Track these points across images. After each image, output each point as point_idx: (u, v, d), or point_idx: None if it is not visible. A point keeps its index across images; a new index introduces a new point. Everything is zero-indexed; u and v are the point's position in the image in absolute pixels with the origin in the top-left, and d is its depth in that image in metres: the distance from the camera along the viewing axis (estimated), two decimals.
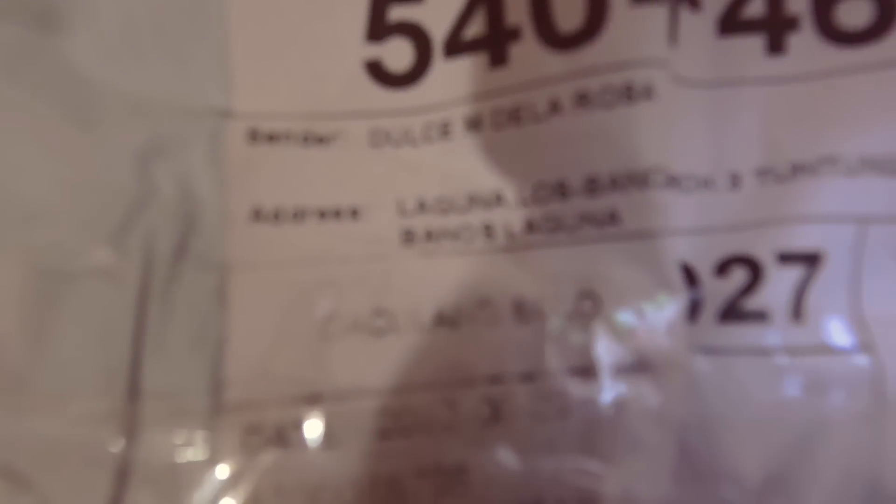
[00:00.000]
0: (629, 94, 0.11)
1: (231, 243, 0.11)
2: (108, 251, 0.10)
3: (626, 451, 0.11)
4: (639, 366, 0.11)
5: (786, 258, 0.11)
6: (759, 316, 0.11)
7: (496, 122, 0.12)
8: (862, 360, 0.11)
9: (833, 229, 0.11)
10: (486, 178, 0.12)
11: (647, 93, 0.11)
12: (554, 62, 0.11)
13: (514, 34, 0.12)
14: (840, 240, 0.11)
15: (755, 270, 0.11)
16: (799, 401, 0.11)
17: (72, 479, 0.10)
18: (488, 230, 0.12)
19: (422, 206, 0.12)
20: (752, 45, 0.12)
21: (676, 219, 0.11)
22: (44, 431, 0.10)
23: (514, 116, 0.11)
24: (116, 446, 0.10)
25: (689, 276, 0.12)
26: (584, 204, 0.11)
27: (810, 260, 0.11)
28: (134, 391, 0.10)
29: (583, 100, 0.11)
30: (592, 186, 0.11)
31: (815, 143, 0.11)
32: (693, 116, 0.12)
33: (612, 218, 0.11)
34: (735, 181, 0.12)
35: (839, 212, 0.11)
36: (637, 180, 0.11)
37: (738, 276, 0.11)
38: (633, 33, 0.11)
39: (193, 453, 0.10)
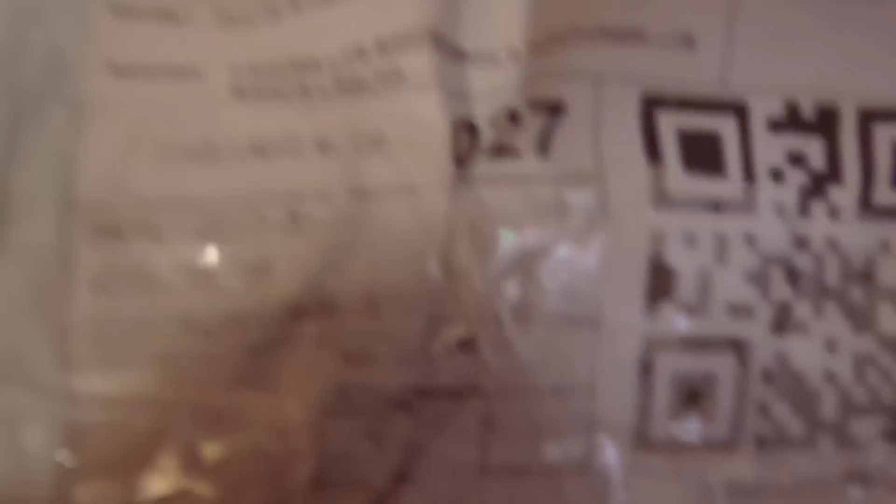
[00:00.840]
0: None
1: (87, 88, 0.13)
2: None
3: (403, 255, 0.13)
4: (413, 188, 0.13)
5: (535, 106, 0.14)
6: (514, 151, 0.14)
7: (315, 3, 0.14)
8: (593, 187, 0.14)
9: (574, 83, 0.14)
10: (305, 47, 0.14)
11: None
12: None
13: None
14: (580, 92, 0.14)
15: (514, 118, 0.14)
16: (540, 219, 0.13)
17: None
18: (305, 89, 0.14)
19: (253, 70, 0.14)
20: None
21: (463, 84, 0.14)
22: None
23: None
24: None
25: (470, 129, 0.14)
26: (379, 63, 0.14)
27: (555, 108, 0.14)
28: (4, 192, 0.13)
29: None
30: (383, 49, 0.14)
31: (567, 16, 0.14)
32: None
33: (398, 74, 0.14)
34: (514, 55, 0.15)
35: (579, 69, 0.14)
36: (415, 41, 0.14)
37: (503, 124, 0.14)
38: None
39: (49, 241, 0.12)
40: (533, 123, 0.14)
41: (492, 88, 0.14)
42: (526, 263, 0.13)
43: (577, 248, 0.13)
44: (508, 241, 0.13)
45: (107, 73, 0.14)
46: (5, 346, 0.12)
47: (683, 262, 0.14)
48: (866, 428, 0.14)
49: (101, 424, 0.12)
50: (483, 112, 0.14)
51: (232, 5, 0.15)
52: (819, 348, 0.14)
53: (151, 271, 0.13)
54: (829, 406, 0.14)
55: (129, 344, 0.12)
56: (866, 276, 0.14)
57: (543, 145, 0.14)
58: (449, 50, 0.14)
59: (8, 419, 0.12)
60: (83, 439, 0.12)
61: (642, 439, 0.14)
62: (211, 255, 0.13)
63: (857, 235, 0.14)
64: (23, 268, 0.12)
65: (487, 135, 0.14)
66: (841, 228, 0.14)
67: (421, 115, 0.14)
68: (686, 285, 0.14)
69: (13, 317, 0.12)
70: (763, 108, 0.15)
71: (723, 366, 0.14)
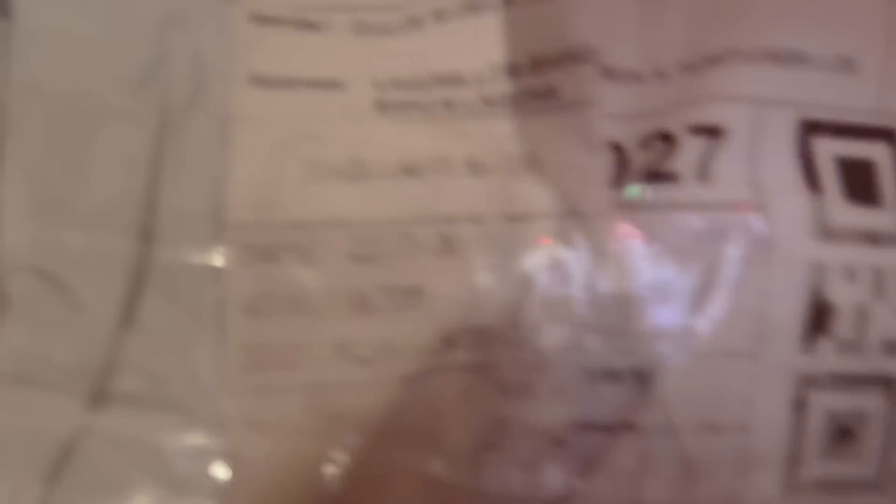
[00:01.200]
0: None
1: (232, 100, 0.13)
2: (130, 98, 0.12)
3: (559, 283, 0.13)
4: (571, 215, 0.13)
5: (694, 130, 0.13)
6: (672, 177, 0.13)
7: (460, 14, 0.14)
8: (755, 217, 0.13)
9: (734, 107, 0.13)
10: (449, 61, 0.14)
11: None
12: None
13: None
14: (740, 117, 0.13)
15: (671, 141, 0.13)
16: (702, 248, 0.13)
17: (97, 280, 0.12)
18: (449, 104, 0.14)
19: (395, 83, 0.14)
20: None
21: (611, 105, 0.14)
22: (75, 241, 0.12)
23: (475, 7, 0.14)
24: (134, 251, 0.12)
25: (618, 151, 0.14)
26: (531, 80, 0.13)
27: (714, 132, 0.13)
28: (151, 210, 0.12)
29: None
30: (537, 65, 0.13)
31: (725, 38, 0.14)
32: (627, 15, 0.14)
33: (552, 92, 0.13)
34: (660, 74, 0.14)
35: (740, 93, 0.13)
36: (574, 59, 0.13)
37: (658, 147, 0.13)
38: None
39: (198, 261, 0.12)
40: (691, 147, 0.13)
41: (637, 109, 0.14)
42: (682, 295, 0.13)
43: (736, 280, 0.13)
44: (665, 269, 0.13)
45: (250, 84, 0.13)
46: (158, 369, 0.12)
47: (843, 297, 0.13)
48: None
49: (254, 450, 0.12)
50: (629, 133, 0.14)
51: (370, 15, 0.14)
52: None
53: (304, 295, 0.12)
54: None
55: (283, 369, 0.12)
56: None
57: (703, 171, 0.13)
58: (601, 68, 0.14)
59: (160, 443, 0.12)
60: (236, 465, 0.12)
61: (794, 477, 0.13)
62: (363, 279, 0.12)
63: None
64: (172, 290, 0.12)
65: (638, 157, 0.14)
66: None
67: (576, 135, 0.13)
68: (843, 321, 0.13)
69: (163, 340, 0.12)
70: None
71: (873, 403, 0.14)
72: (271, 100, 0.13)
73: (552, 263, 0.13)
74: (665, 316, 0.13)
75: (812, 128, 0.14)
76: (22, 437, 0.12)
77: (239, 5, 0.14)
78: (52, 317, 0.12)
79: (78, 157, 0.12)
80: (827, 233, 0.13)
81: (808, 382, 0.13)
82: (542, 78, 0.13)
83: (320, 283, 0.12)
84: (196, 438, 0.12)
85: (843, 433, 0.14)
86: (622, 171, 0.14)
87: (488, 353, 0.13)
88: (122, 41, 0.12)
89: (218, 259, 0.12)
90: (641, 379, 0.13)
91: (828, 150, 0.14)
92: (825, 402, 0.14)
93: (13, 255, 0.12)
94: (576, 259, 0.13)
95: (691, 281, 0.13)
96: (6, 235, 0.12)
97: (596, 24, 0.13)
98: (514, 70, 0.13)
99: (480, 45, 0.14)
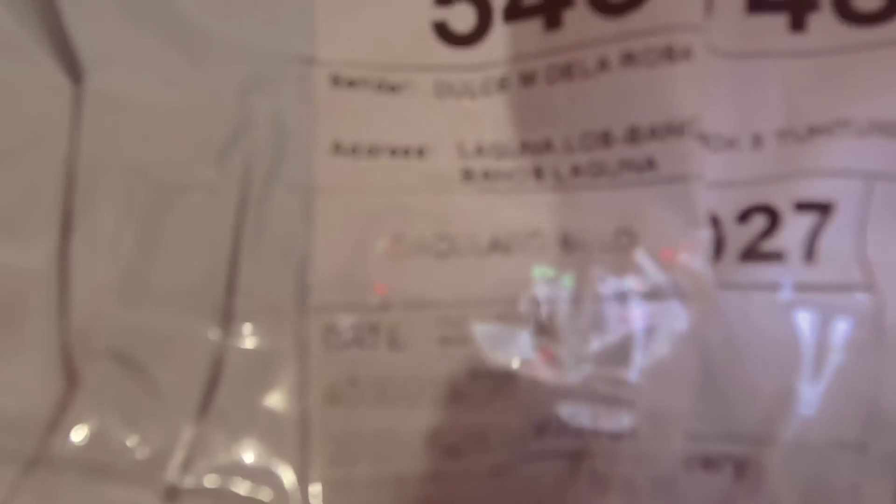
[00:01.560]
0: (670, 54, 0.12)
1: (315, 171, 0.12)
2: (212, 169, 0.12)
3: (656, 366, 0.12)
4: (669, 293, 0.12)
5: (801, 207, 0.13)
6: (776, 256, 0.12)
7: (549, 77, 0.13)
8: (864, 298, 0.12)
9: (843, 183, 0.13)
10: (537, 127, 0.13)
11: (686, 54, 0.12)
12: (603, 26, 0.13)
13: (567, 2, 0.13)
14: (849, 192, 0.13)
15: (773, 217, 0.13)
16: (808, 330, 0.12)
17: (176, 364, 0.11)
18: (538, 172, 0.13)
19: (479, 150, 0.13)
20: (776, 22, 0.13)
21: (705, 172, 0.13)
22: (154, 323, 0.11)
23: (567, 72, 0.13)
24: (214, 335, 0.11)
25: (714, 222, 0.13)
26: (625, 151, 0.13)
27: (823, 209, 0.13)
28: (231, 290, 0.11)
29: (628, 59, 0.13)
30: (633, 136, 0.13)
31: (831, 108, 0.13)
32: (723, 81, 0.13)
33: (650, 164, 0.13)
34: (757, 142, 0.13)
35: (849, 167, 0.13)
36: (674, 130, 0.12)
37: (758, 222, 0.13)
38: (673, 4, 0.12)
39: (282, 345, 0.11)
40: (798, 225, 0.13)
41: (732, 178, 0.13)
42: (790, 382, 0.12)
43: (845, 365, 0.12)
44: (769, 354, 0.12)
45: (332, 153, 0.12)
46: (236, 462, 0.11)
47: None
48: None
49: None
50: (725, 204, 0.13)
51: (451, 75, 0.14)
52: None
53: (392, 381, 0.12)
54: None
55: (370, 459, 0.11)
56: None
57: (810, 251, 0.13)
58: (699, 138, 0.13)
59: None
60: None
61: None
62: (454, 365, 0.12)
63: None
64: (251, 375, 0.11)
65: (735, 232, 0.13)
66: None
67: (676, 207, 0.12)
68: None
69: (241, 429, 0.11)
70: None
71: None
72: (354, 169, 0.12)
73: (651, 345, 0.12)
74: (769, 404, 0.12)
75: None
76: None
77: (320, 65, 0.13)
78: (127, 403, 0.11)
79: (156, 233, 0.11)
80: None
81: None
82: (639, 149, 0.13)
83: (408, 369, 0.12)
84: None
85: None
86: (720, 245, 0.13)
87: (581, 441, 0.12)
88: (203, 109, 0.12)
89: (299, 343, 0.11)
90: (741, 468, 0.13)
91: None
92: None
93: (86, 334, 0.11)
94: (676, 340, 0.12)
95: (800, 366, 0.12)
96: (78, 314, 0.11)
97: (693, 93, 0.12)
98: (607, 139, 0.13)
99: (573, 111, 0.13)
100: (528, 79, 0.13)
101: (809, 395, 0.12)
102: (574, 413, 0.12)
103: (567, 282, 0.12)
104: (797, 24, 0.13)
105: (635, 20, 0.13)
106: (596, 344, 0.12)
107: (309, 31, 0.13)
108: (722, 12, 0.13)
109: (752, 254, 0.13)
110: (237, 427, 0.11)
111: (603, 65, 0.13)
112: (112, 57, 0.12)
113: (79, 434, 0.11)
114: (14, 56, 0.12)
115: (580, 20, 0.13)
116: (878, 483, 0.13)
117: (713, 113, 0.13)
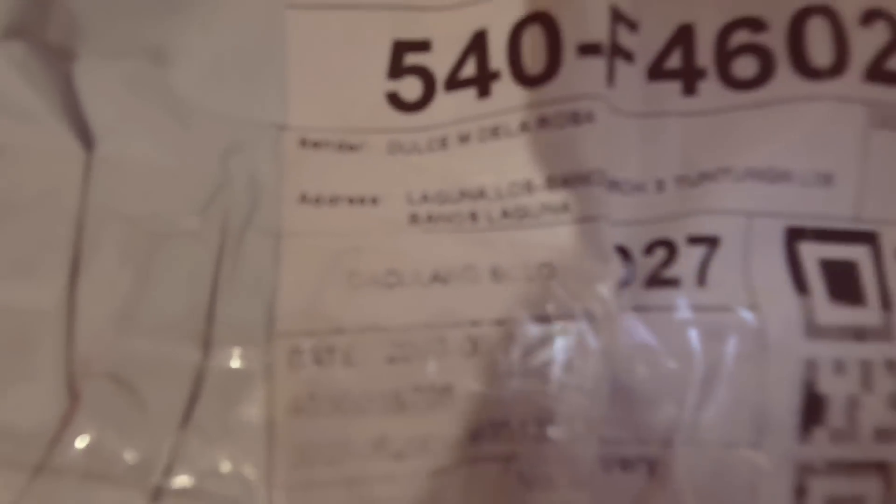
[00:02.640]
0: (575, 118, 0.15)
1: (284, 218, 0.15)
2: (196, 219, 0.14)
3: (572, 379, 0.14)
4: (581, 316, 0.14)
5: (693, 240, 0.15)
6: (674, 282, 0.15)
7: (482, 137, 0.16)
8: (749, 316, 0.14)
9: (728, 220, 0.15)
10: (473, 178, 0.16)
11: (589, 117, 0.15)
12: (524, 95, 0.15)
13: (495, 76, 0.16)
14: (733, 228, 0.15)
15: (671, 249, 0.15)
16: (702, 346, 0.14)
17: (162, 383, 0.13)
18: (473, 216, 0.15)
19: (425, 198, 0.16)
20: (672, 87, 0.16)
21: (616, 213, 0.15)
22: (144, 349, 0.13)
23: (495, 133, 0.16)
24: (195, 358, 0.13)
25: (625, 255, 0.15)
26: (545, 196, 0.15)
27: (711, 242, 0.15)
28: (210, 319, 0.14)
29: (543, 122, 0.15)
30: (551, 184, 0.15)
31: (717, 158, 0.15)
32: (627, 137, 0.16)
33: (565, 207, 0.15)
34: (660, 186, 0.16)
35: (732, 207, 0.15)
36: (582, 179, 0.15)
37: (660, 253, 0.15)
38: (579, 77, 0.15)
39: (252, 366, 0.13)
40: (691, 255, 0.15)
41: (640, 217, 0.16)
42: (687, 390, 0.14)
43: (736, 376, 0.14)
44: (670, 366, 0.14)
45: (299, 203, 0.15)
46: (211, 466, 0.13)
47: (834, 389, 0.15)
48: None
49: None
50: (635, 239, 0.15)
51: (402, 136, 0.16)
52: None
53: (345, 395, 0.14)
54: None
55: (327, 465, 0.13)
56: None
57: (702, 277, 0.15)
58: (609, 183, 0.15)
59: None
60: None
61: None
62: (399, 380, 0.14)
63: None
64: (226, 392, 0.13)
65: (643, 262, 0.15)
66: None
67: (587, 244, 0.15)
68: (836, 411, 0.15)
69: (216, 439, 0.13)
70: (892, 239, 0.16)
71: (870, 488, 0.15)
72: (317, 217, 0.15)
73: (568, 361, 0.14)
74: (671, 410, 0.14)
75: (797, 234, 0.15)
76: None
77: (290, 130, 0.16)
78: (120, 417, 0.13)
79: (148, 273, 0.14)
80: (816, 331, 0.15)
81: (808, 470, 0.14)
82: (556, 195, 0.15)
83: (360, 385, 0.14)
84: None
85: None
86: (630, 275, 0.15)
87: (511, 445, 0.14)
88: (191, 169, 0.14)
89: (268, 364, 0.13)
90: (653, 468, 0.14)
91: (812, 253, 0.15)
92: (825, 489, 0.15)
93: (88, 360, 0.13)
94: (589, 357, 0.14)
95: (696, 376, 0.14)
96: (81, 343, 0.13)
97: (602, 148, 0.15)
98: (530, 187, 0.15)
99: (500, 165, 0.15)
100: (464, 138, 0.16)
101: (704, 402, 0.14)
102: (504, 422, 0.14)
103: (498, 309, 0.14)
104: (689, 90, 0.16)
105: (549, 90, 0.15)
106: (522, 361, 0.14)
107: (282, 102, 0.16)
108: (624, 82, 0.16)
109: (654, 280, 0.15)
110: (213, 436, 0.13)
111: (524, 126, 0.15)
112: (118, 126, 0.15)
113: (79, 444, 0.13)
114: (35, 126, 0.14)
115: (505, 90, 0.16)
116: (774, 481, 0.14)
117: (621, 163, 0.16)
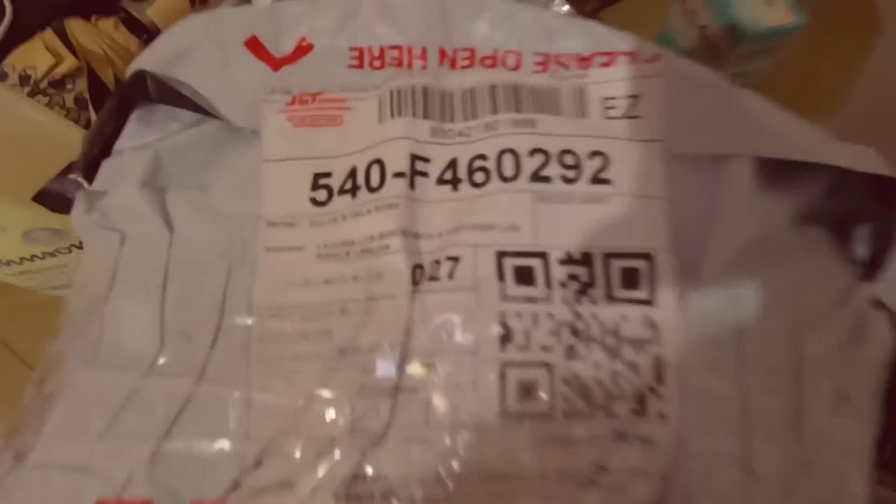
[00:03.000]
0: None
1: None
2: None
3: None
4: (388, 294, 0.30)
5: (448, 258, 0.31)
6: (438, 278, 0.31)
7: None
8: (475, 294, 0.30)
9: (465, 249, 0.31)
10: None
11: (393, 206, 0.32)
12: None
13: (358, 188, 0.33)
14: (469, 252, 0.31)
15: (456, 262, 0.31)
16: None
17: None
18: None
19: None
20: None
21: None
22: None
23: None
24: None
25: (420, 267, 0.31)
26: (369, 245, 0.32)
27: (455, 259, 0.31)
28: None
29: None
30: (370, 240, 0.32)
31: (454, 221, 0.32)
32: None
33: (385, 249, 0.31)
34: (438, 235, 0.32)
35: (468, 242, 0.31)
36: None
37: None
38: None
39: None
40: (446, 265, 0.31)
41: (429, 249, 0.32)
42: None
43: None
44: None
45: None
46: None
47: (515, 325, 0.30)
48: None
49: None
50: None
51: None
52: None
53: None
54: None
55: None
56: None
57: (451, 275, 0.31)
58: (411, 234, 0.32)
59: None
60: None
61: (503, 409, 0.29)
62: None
63: None
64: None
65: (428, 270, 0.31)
66: None
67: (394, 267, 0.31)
68: (518, 336, 0.30)
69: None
70: (556, 255, 0.31)
71: (542, 374, 0.30)
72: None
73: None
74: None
75: (503, 254, 0.31)
76: None
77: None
78: None
79: None
80: (506, 297, 0.30)
81: (506, 365, 0.29)
82: (377, 243, 0.32)
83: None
84: None
85: (526, 390, 0.29)
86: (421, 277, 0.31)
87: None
88: (211, 245, 0.32)
89: None
90: None
91: (510, 263, 0.31)
92: (515, 375, 0.29)
93: None
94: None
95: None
96: None
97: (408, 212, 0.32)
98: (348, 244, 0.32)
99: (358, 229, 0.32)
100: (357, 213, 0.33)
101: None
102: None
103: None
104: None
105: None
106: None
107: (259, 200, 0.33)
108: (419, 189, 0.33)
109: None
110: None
111: None
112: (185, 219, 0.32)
113: None
114: (142, 222, 0.32)
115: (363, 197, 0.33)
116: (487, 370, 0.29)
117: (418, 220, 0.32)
